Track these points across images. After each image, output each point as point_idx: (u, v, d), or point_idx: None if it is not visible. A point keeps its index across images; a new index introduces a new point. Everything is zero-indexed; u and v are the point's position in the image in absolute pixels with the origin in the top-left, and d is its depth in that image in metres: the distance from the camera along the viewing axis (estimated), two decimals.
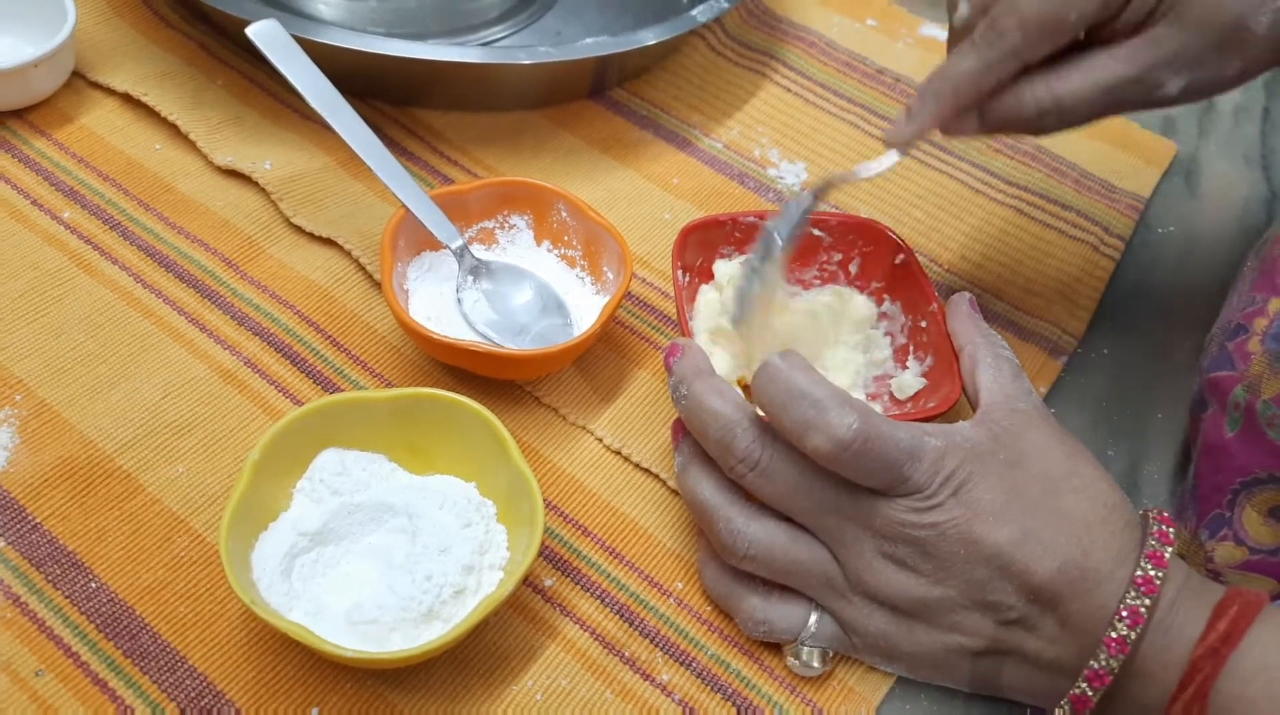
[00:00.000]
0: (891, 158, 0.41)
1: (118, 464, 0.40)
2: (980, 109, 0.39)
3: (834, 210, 0.54)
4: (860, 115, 0.60)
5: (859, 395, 0.44)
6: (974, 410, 0.38)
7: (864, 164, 0.42)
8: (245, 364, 0.44)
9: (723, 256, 0.47)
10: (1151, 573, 0.33)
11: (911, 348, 0.45)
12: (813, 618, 0.37)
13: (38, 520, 0.39)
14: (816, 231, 0.47)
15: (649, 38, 0.53)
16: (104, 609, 0.37)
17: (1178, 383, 0.48)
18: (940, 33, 0.66)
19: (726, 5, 0.56)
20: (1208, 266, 0.55)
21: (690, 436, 0.39)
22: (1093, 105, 0.38)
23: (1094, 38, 0.38)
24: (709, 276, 0.47)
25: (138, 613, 0.37)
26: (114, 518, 0.39)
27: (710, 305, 0.45)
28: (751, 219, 0.46)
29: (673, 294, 0.49)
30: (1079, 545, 0.34)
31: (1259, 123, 0.64)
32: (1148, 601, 0.32)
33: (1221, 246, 0.56)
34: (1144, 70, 0.37)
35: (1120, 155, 0.60)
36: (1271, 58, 0.37)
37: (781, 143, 0.58)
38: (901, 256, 0.45)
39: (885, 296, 0.46)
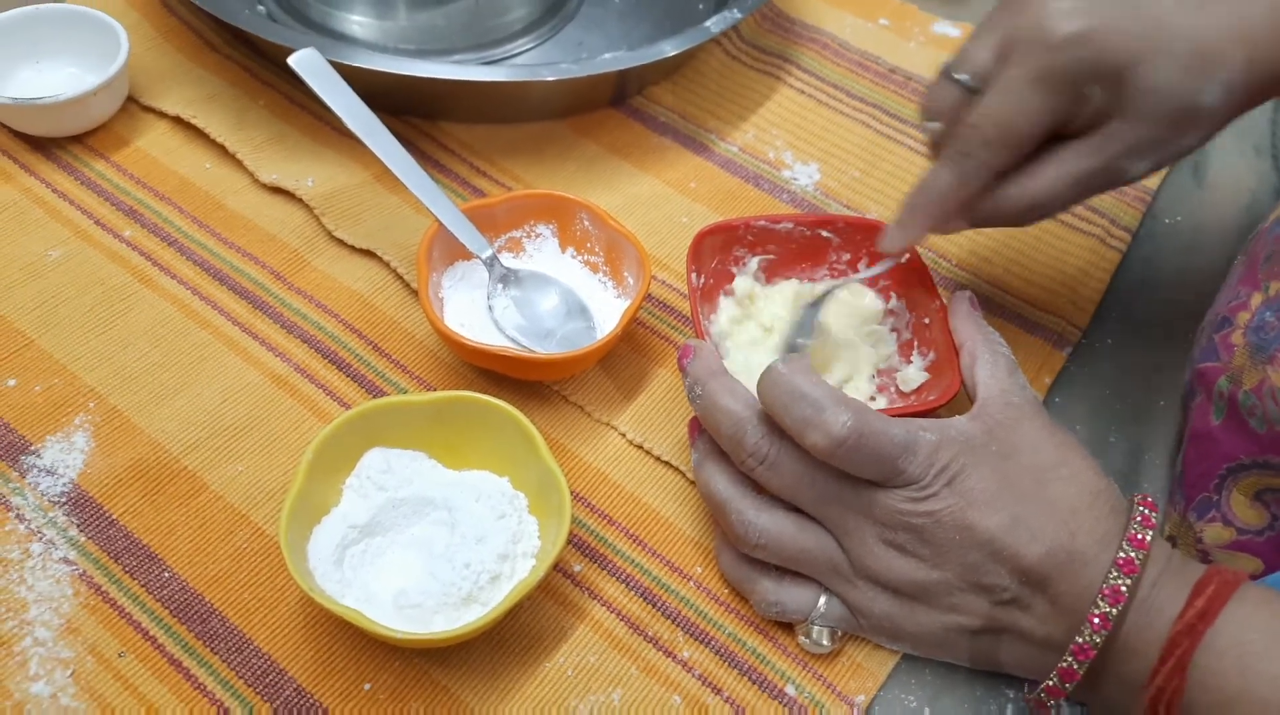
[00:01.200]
0: (889, 263, 0.46)
1: (183, 464, 0.44)
2: (966, 214, 0.42)
3: (844, 212, 0.57)
4: (872, 115, 0.62)
5: (869, 389, 0.47)
6: (971, 403, 0.41)
7: (865, 269, 0.46)
8: (295, 370, 0.48)
9: (737, 260, 0.49)
10: (1132, 555, 0.35)
11: (916, 343, 0.47)
12: (821, 600, 0.40)
13: (114, 516, 0.43)
14: (825, 233, 0.49)
15: (666, 50, 0.56)
16: (176, 596, 0.41)
17: (1178, 372, 0.50)
18: (952, 29, 0.67)
19: (739, 15, 0.59)
20: (1213, 257, 0.57)
21: (705, 433, 0.42)
22: (1066, 197, 0.40)
23: (1058, 133, 0.40)
24: (724, 278, 0.49)
25: (207, 599, 0.41)
26: (182, 513, 0.43)
27: (730, 315, 0.48)
28: (763, 223, 0.49)
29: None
30: (1066, 530, 0.36)
31: (1269, 112, 0.65)
32: (1129, 582, 0.35)
33: (1228, 237, 0.58)
34: (1108, 161, 0.39)
35: None
36: (1229, 117, 0.39)
37: (795, 144, 0.60)
38: (906, 255, 0.48)
39: (892, 294, 0.49)
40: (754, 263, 0.50)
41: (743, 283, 0.49)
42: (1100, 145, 0.39)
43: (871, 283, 0.50)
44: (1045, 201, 0.40)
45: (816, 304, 0.46)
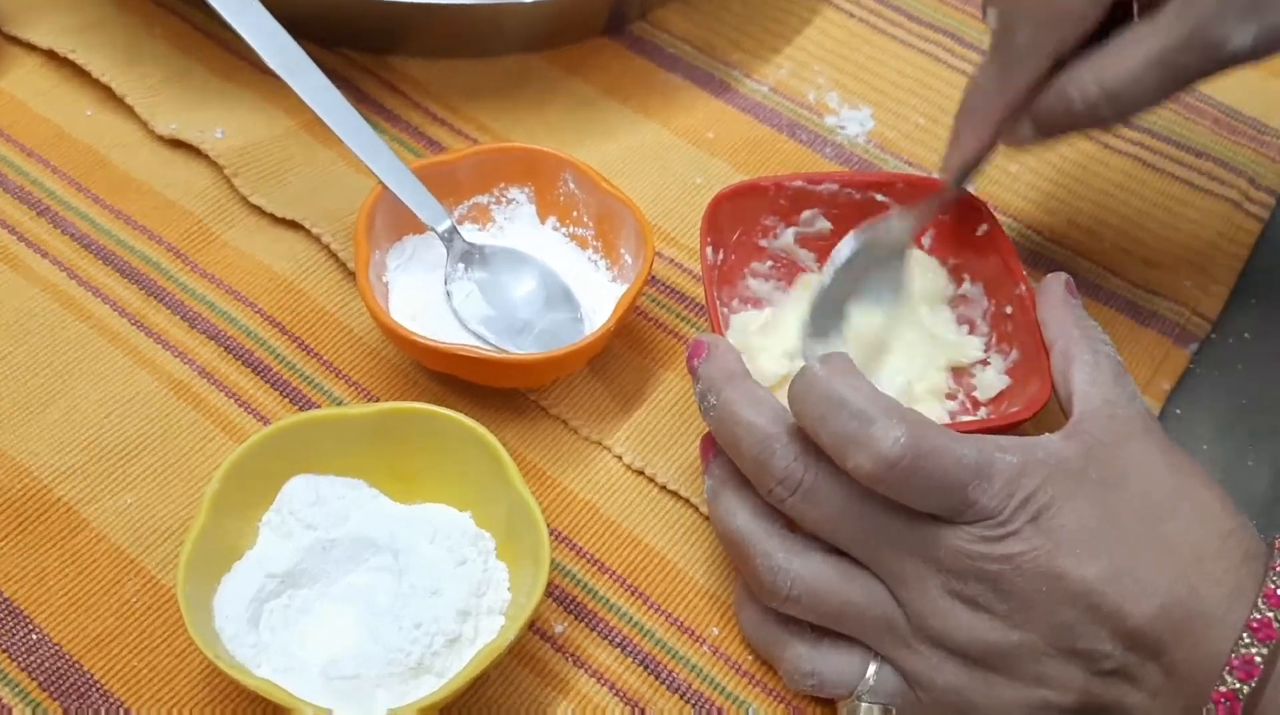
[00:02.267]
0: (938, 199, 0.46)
1: (56, 495, 0.45)
2: (1030, 115, 0.43)
3: (904, 169, 0.57)
4: (941, 44, 0.62)
5: (940, 404, 0.47)
6: (1065, 417, 0.41)
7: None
8: (200, 374, 0.48)
9: (767, 231, 0.49)
10: (1270, 615, 0.35)
11: (994, 339, 0.47)
12: (871, 669, 0.40)
13: None
14: (880, 196, 0.49)
15: None
16: (46, 664, 0.41)
17: None
18: None
19: None
20: None
21: (722, 454, 0.42)
22: (1149, 85, 0.41)
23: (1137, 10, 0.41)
24: (750, 255, 0.49)
25: (85, 668, 0.41)
26: (54, 558, 0.43)
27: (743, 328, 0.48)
28: (799, 184, 0.49)
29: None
30: (1185, 582, 0.36)
31: None
32: (1265, 650, 0.35)
33: None
34: (1194, 29, 0.39)
35: (1275, 85, 0.61)
36: None
37: (842, 82, 0.60)
38: (985, 226, 0.48)
39: (964, 276, 0.49)
40: (788, 235, 0.50)
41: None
42: (1183, 8, 0.39)
43: (937, 260, 0.50)
44: (1122, 89, 0.41)
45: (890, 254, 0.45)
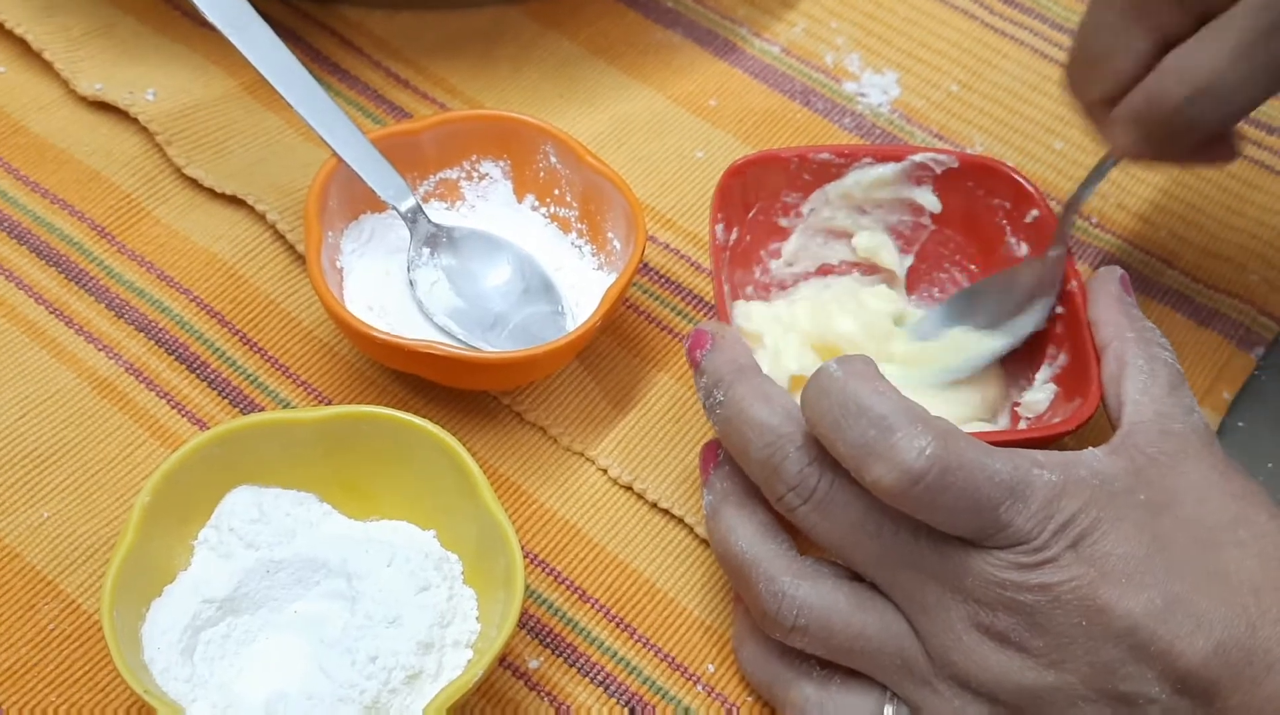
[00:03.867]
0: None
1: None
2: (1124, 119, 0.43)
3: (933, 142, 0.57)
4: (979, 0, 0.62)
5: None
6: (1114, 430, 0.41)
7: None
8: (127, 370, 0.49)
9: (788, 208, 0.49)
10: None
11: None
12: (886, 712, 0.40)
13: None
14: (916, 189, 0.49)
15: None
16: None
17: None
18: None
19: None
20: None
21: (725, 465, 0.42)
22: (1248, 76, 0.40)
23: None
24: (767, 235, 0.50)
25: None
26: None
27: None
28: (826, 156, 0.49)
29: (710, 267, 0.52)
30: (1243, 618, 0.37)
31: None
32: None
33: None
34: None
35: None
36: None
37: (865, 43, 0.60)
38: (1035, 212, 0.48)
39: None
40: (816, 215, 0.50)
41: (797, 243, 0.50)
42: None
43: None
44: (1215, 86, 0.41)
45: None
